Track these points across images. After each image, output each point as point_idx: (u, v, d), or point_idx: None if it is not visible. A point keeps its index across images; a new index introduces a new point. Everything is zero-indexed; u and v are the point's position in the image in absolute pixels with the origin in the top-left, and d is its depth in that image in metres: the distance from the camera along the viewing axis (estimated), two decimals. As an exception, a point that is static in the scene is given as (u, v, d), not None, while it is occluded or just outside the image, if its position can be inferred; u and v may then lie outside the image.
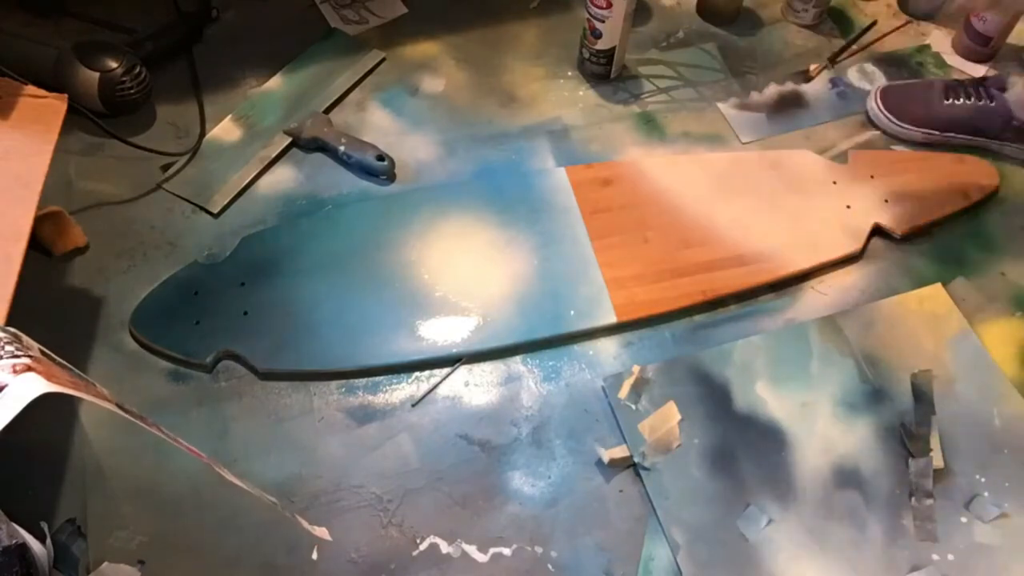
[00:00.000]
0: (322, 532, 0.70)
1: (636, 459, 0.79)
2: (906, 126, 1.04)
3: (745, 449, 0.80)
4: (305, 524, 0.66)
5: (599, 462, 0.80)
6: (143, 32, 1.08)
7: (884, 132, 1.06)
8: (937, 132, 1.03)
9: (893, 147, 1.05)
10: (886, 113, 1.05)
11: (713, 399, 0.83)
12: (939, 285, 0.91)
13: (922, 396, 0.83)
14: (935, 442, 0.79)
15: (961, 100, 1.01)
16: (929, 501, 0.77)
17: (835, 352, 0.86)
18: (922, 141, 1.05)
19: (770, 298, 0.91)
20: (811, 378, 0.85)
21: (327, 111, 1.05)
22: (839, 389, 0.84)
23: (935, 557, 0.75)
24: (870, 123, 1.07)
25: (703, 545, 0.75)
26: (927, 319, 0.89)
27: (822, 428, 0.81)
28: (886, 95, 1.06)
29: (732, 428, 0.81)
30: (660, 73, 1.12)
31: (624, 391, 0.83)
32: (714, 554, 0.74)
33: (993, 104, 0.99)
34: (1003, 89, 1.00)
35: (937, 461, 0.78)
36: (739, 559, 0.74)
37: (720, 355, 0.86)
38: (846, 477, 0.79)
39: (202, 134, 1.03)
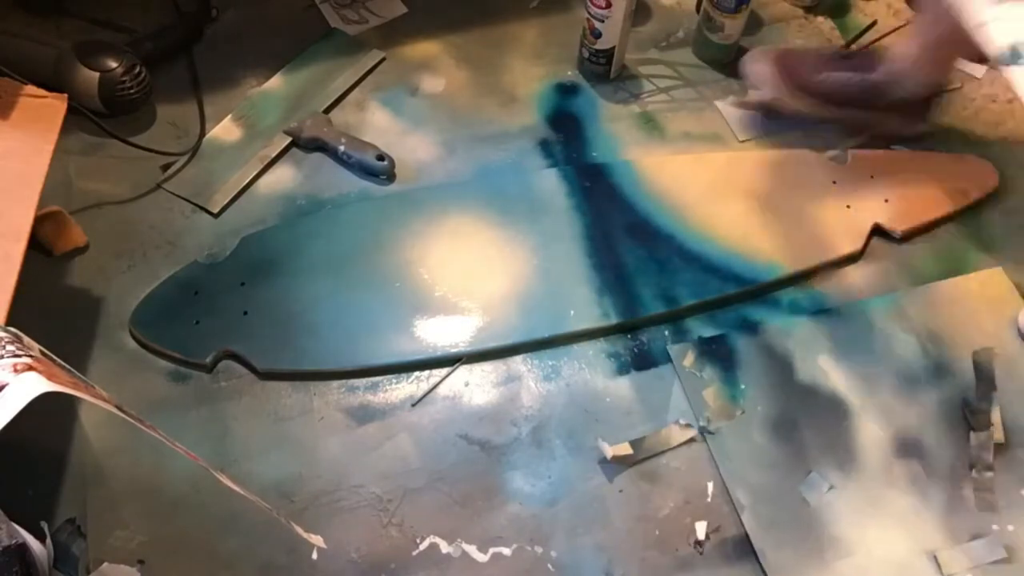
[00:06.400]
0: (317, 539, 0.70)
1: (701, 423, 0.81)
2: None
3: (807, 418, 0.82)
4: (300, 531, 0.66)
5: (599, 461, 0.80)
6: (143, 32, 1.08)
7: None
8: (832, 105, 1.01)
9: (893, 147, 1.05)
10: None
11: (776, 370, 0.85)
12: (1000, 269, 0.92)
13: (983, 373, 0.84)
14: (996, 417, 0.81)
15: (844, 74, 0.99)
16: (989, 474, 0.78)
17: (897, 329, 0.88)
18: (813, 115, 1.03)
19: (769, 299, 0.91)
20: (873, 353, 0.86)
21: (327, 111, 1.05)
22: (901, 364, 0.86)
23: (995, 527, 0.76)
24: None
25: (766, 507, 0.77)
26: (988, 300, 0.90)
27: (884, 400, 0.83)
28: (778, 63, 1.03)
29: (795, 397, 0.83)
30: (660, 73, 1.12)
31: (689, 360, 0.85)
32: (777, 516, 0.77)
33: (871, 76, 0.97)
34: (873, 66, 0.97)
35: (998, 436, 0.80)
36: (801, 522, 0.77)
37: (781, 331, 0.88)
38: (907, 447, 0.81)
39: (202, 134, 1.03)
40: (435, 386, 0.85)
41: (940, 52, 0.92)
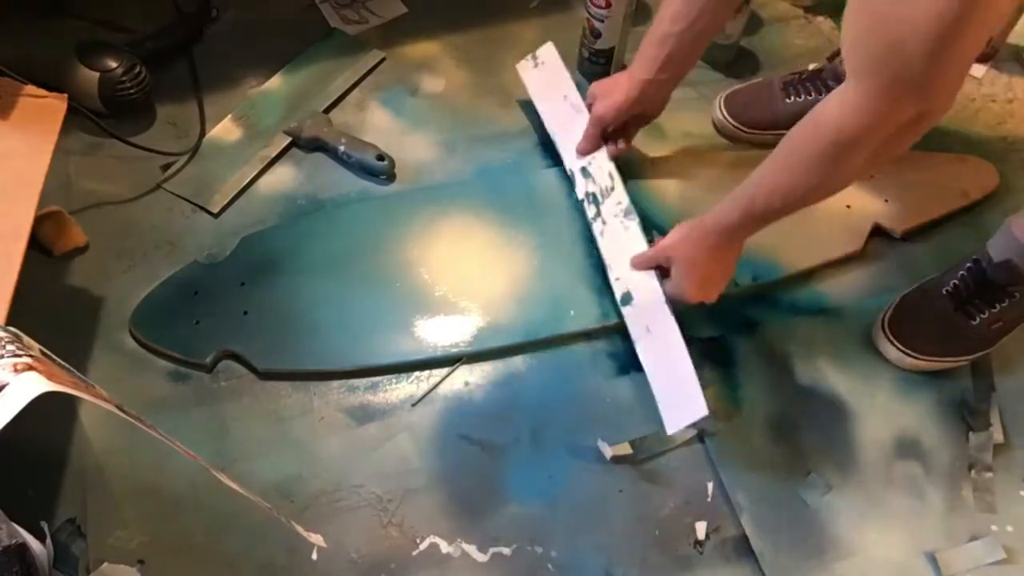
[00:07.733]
0: (317, 539, 0.70)
1: (700, 425, 0.80)
2: (755, 132, 1.02)
3: (807, 419, 0.83)
4: (300, 530, 0.66)
5: (599, 461, 0.80)
6: (143, 32, 1.08)
7: (734, 140, 1.04)
8: (786, 131, 1.01)
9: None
10: (733, 122, 1.03)
11: (775, 370, 0.85)
12: None
13: (981, 373, 0.85)
14: (995, 417, 0.81)
15: (802, 96, 0.99)
16: (989, 474, 0.79)
17: None
18: (774, 144, 1.03)
19: (769, 299, 0.91)
20: (872, 353, 0.87)
21: (327, 111, 1.05)
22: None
23: (994, 528, 0.77)
24: (719, 133, 1.05)
25: (765, 508, 0.77)
26: None
27: (883, 401, 0.84)
28: (729, 104, 1.04)
29: (794, 398, 0.84)
30: (660, 73, 1.12)
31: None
32: (776, 517, 0.77)
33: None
34: (839, 79, 0.98)
35: (997, 435, 0.80)
36: (800, 523, 0.77)
37: (780, 331, 0.88)
38: (906, 448, 0.81)
39: (202, 134, 1.03)
40: (435, 386, 0.85)
41: None
